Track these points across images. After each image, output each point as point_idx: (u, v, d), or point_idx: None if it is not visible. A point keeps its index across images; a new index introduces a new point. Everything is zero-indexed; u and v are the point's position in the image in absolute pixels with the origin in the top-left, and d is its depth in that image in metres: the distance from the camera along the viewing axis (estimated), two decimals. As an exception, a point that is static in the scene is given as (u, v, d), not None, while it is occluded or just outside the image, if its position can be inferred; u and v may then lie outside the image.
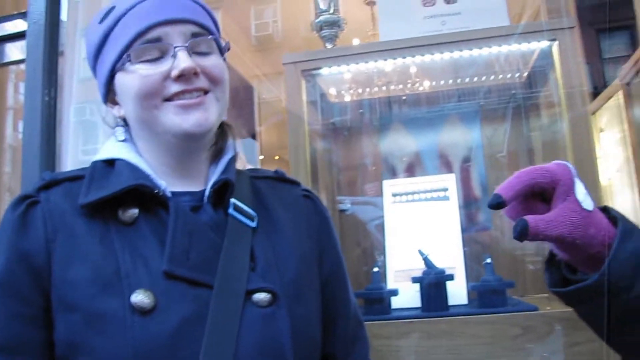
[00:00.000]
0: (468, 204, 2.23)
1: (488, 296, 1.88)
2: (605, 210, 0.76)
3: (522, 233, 0.69)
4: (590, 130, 1.88)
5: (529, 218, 0.69)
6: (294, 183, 1.13)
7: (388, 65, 2.16)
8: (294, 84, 1.94)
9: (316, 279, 1.03)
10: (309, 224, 1.07)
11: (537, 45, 1.96)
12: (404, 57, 1.98)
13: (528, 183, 0.72)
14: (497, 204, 0.72)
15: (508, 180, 0.74)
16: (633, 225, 0.73)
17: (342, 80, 2.34)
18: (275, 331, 0.88)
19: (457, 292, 1.95)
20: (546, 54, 1.95)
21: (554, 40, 1.87)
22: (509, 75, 2.22)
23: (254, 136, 3.67)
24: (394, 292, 1.92)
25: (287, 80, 1.95)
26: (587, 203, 0.72)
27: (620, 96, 2.47)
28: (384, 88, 2.34)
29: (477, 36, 1.93)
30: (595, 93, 2.97)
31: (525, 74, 2.20)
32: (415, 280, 1.88)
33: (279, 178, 1.12)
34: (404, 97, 2.39)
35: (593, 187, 1.79)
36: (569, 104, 1.83)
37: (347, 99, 2.47)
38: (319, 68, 2.03)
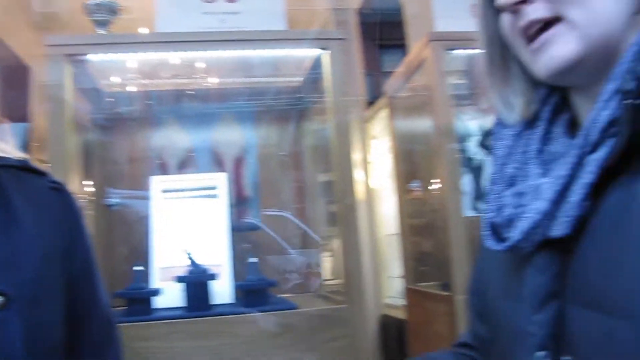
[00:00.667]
0: (239, 202, 2.24)
1: (251, 295, 1.90)
2: None
3: None
4: (355, 137, 1.99)
5: None
6: (41, 174, 1.03)
7: (170, 57, 2.10)
8: (57, 68, 1.79)
9: (60, 278, 0.95)
10: (55, 218, 0.98)
11: (312, 53, 2.03)
12: (177, 51, 1.94)
13: None
14: None
15: None
16: None
17: (121, 70, 2.23)
18: (6, 338, 0.79)
19: (223, 291, 1.95)
20: (320, 62, 2.02)
21: (325, 49, 1.94)
22: (287, 79, 2.28)
23: (26, 121, 3.37)
24: (156, 292, 1.87)
25: (50, 64, 1.79)
26: None
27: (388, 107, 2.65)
28: (161, 81, 2.28)
29: (254, 37, 1.94)
30: (372, 103, 3.18)
31: (302, 79, 2.27)
32: (178, 279, 1.84)
33: (24, 167, 1.02)
34: (189, 92, 2.35)
35: (351, 191, 1.89)
36: (337, 111, 1.91)
37: (127, 89, 2.36)
38: (88, 54, 1.90)
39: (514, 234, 0.64)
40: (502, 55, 0.74)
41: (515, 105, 0.73)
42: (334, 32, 1.96)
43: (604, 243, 0.57)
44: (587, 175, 0.58)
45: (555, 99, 0.72)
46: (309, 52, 2.05)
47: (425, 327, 2.19)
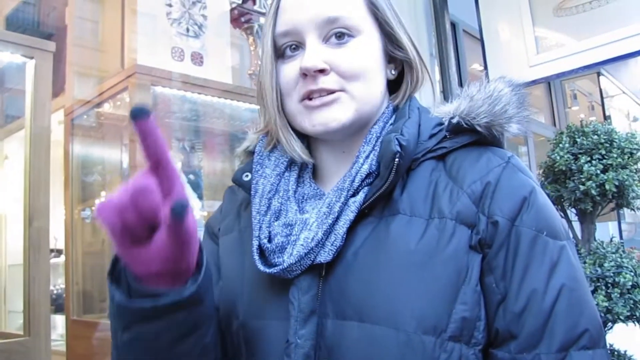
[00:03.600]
0: None
1: None
2: None
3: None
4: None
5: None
6: None
7: None
8: None
9: None
10: None
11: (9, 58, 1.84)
12: None
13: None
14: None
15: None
16: None
17: None
18: None
19: None
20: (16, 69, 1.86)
21: (31, 58, 1.80)
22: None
23: None
24: None
25: None
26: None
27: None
28: None
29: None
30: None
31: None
32: None
33: None
34: None
35: (45, 212, 1.77)
36: (35, 127, 1.78)
37: None
38: None
39: (288, 258, 0.75)
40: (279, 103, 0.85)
41: (296, 147, 0.83)
42: (42, 42, 1.82)
43: (362, 268, 0.75)
44: (350, 213, 0.76)
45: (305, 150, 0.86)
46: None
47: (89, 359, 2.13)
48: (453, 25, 2.94)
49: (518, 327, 0.70)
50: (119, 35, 2.23)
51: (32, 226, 1.71)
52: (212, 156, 2.53)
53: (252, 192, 0.83)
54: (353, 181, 0.77)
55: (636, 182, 1.93)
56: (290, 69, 0.81)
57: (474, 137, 0.79)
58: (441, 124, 0.81)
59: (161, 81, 2.10)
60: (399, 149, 0.74)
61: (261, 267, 0.77)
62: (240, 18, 2.73)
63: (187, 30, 2.22)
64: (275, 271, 0.76)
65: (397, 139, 0.75)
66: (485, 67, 2.37)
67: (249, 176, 0.86)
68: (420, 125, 0.81)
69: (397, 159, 0.74)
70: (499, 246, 0.72)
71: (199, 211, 2.31)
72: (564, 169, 1.88)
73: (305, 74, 0.78)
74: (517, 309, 0.70)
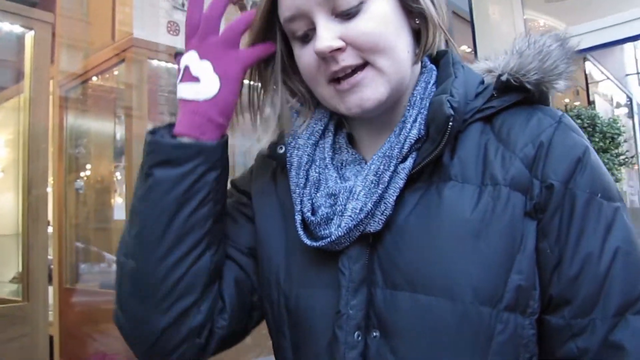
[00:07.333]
0: None
1: None
2: None
3: None
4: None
5: None
6: None
7: None
8: None
9: None
10: None
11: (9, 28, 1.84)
12: None
13: None
14: None
15: None
16: None
17: None
18: None
19: None
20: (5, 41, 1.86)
21: (31, 29, 1.80)
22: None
23: None
24: None
25: None
26: None
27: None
28: None
29: None
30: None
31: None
32: None
33: None
34: None
35: (43, 181, 1.79)
36: (35, 98, 1.80)
37: None
38: None
39: (335, 230, 0.72)
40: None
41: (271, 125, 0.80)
42: (42, 13, 1.83)
43: (414, 236, 0.71)
44: (400, 180, 0.72)
45: (338, 116, 0.82)
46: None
47: (80, 327, 2.16)
48: (442, 7, 2.96)
49: (573, 292, 0.68)
50: (109, 8, 2.23)
51: (31, 194, 1.72)
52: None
53: (287, 165, 0.80)
54: (402, 148, 0.73)
55: (616, 166, 2.01)
56: (308, 54, 0.75)
57: (522, 95, 0.75)
58: (482, 81, 0.78)
59: (158, 55, 2.11)
60: (452, 112, 0.70)
61: (307, 242, 0.75)
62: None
63: (183, 5, 2.23)
64: (323, 244, 0.73)
65: (448, 101, 0.71)
66: (475, 48, 2.41)
67: (283, 149, 0.81)
68: (466, 83, 0.76)
69: (450, 123, 0.70)
70: (554, 210, 0.70)
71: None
72: (547, 151, 1.94)
73: (324, 58, 0.73)
74: (572, 273, 0.68)
